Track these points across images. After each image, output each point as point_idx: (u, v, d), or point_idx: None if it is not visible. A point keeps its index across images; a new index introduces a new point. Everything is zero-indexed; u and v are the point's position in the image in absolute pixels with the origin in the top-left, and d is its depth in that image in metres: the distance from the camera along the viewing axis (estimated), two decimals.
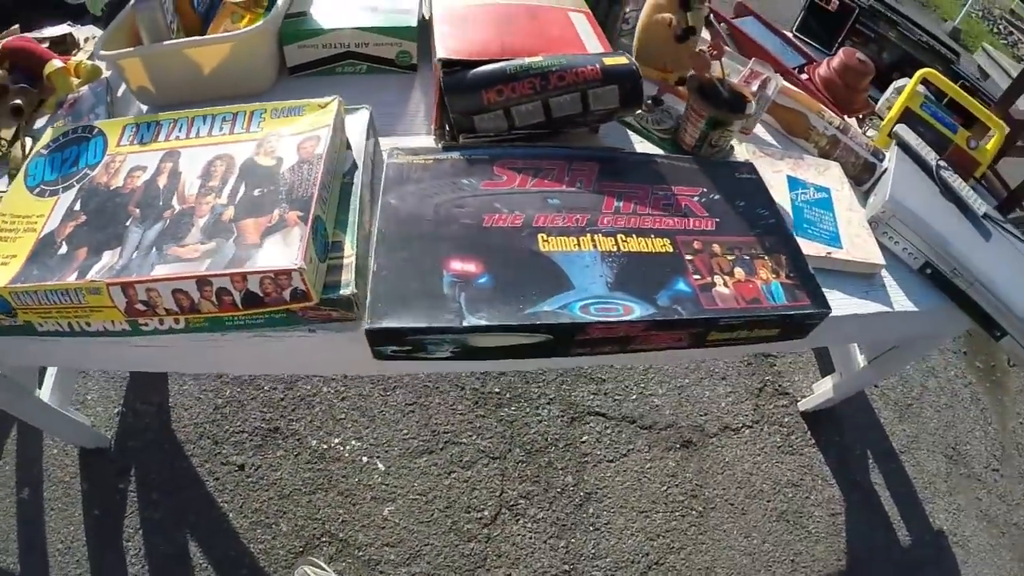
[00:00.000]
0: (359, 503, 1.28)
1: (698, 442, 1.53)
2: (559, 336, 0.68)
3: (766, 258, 0.78)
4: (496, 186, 0.79)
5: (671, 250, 0.76)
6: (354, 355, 0.69)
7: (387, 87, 0.95)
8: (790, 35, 1.47)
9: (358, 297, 0.65)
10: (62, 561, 1.31)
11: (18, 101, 0.91)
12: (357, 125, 0.80)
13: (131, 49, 0.84)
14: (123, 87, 0.99)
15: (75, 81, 0.99)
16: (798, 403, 1.65)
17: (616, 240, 0.77)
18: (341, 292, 0.64)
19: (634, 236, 0.78)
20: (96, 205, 0.69)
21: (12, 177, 0.83)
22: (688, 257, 0.76)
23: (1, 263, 0.63)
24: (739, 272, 0.76)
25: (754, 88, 1.00)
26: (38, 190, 0.71)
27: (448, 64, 0.81)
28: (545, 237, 0.75)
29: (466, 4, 0.93)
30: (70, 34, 1.11)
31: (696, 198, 0.84)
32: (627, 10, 1.08)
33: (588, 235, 0.77)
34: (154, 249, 0.63)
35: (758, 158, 0.97)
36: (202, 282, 0.59)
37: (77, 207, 0.69)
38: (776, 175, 0.95)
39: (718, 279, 0.74)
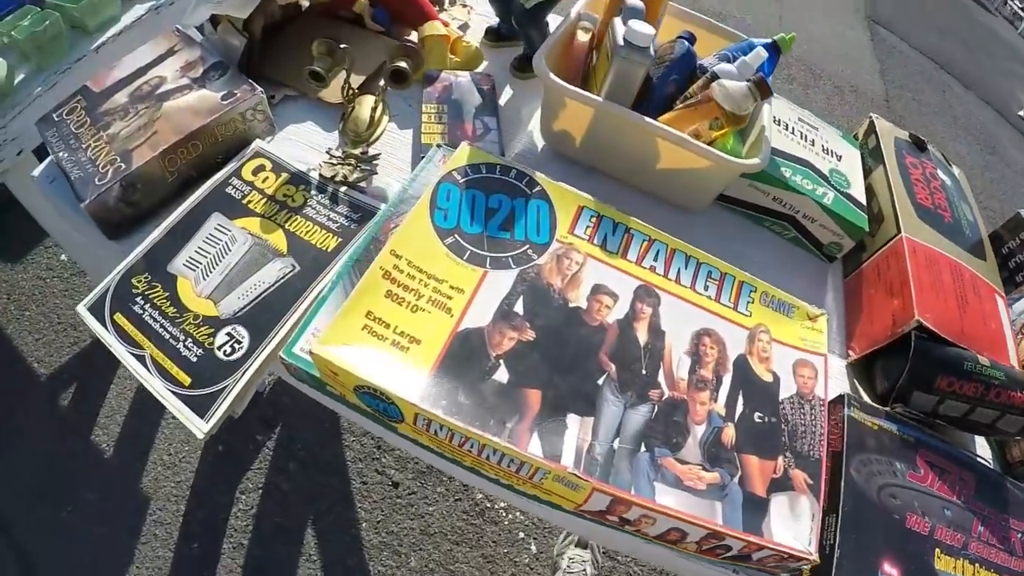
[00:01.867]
0: (497, 574, 1.24)
1: None
2: None
3: None
4: (917, 480, 0.72)
5: None
6: None
7: (801, 268, 0.86)
8: None
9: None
10: (163, 474, 1.24)
11: (403, 64, 0.73)
12: None
13: (586, 94, 0.71)
14: (508, 91, 0.88)
15: (452, 59, 0.88)
16: None
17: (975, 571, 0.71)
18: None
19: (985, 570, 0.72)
20: (550, 324, 0.55)
21: (360, 171, 0.71)
22: None
23: (397, 344, 0.50)
24: None
25: None
26: (452, 241, 0.57)
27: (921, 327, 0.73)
28: (939, 553, 0.69)
29: (928, 244, 0.84)
30: None
31: None
32: None
33: (960, 559, 0.71)
34: (643, 448, 0.52)
35: None
36: (711, 533, 0.52)
37: (519, 309, 0.55)
38: None
39: None
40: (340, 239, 0.66)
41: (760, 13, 2.50)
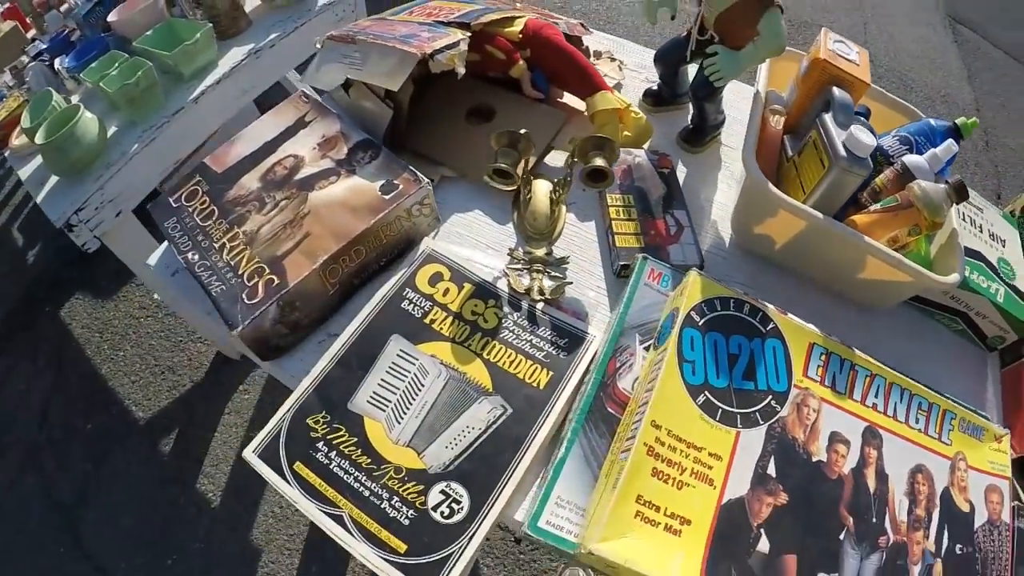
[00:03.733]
0: None
1: None
2: None
3: None
4: None
5: None
6: None
7: (963, 357, 0.83)
8: None
9: None
10: (275, 526, 1.17)
11: (602, 164, 0.56)
12: None
13: (806, 209, 0.62)
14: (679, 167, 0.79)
15: (622, 132, 0.79)
16: None
17: None
18: None
19: None
20: (798, 483, 0.51)
21: (553, 279, 0.63)
22: None
23: (669, 528, 0.45)
24: None
25: None
26: (704, 400, 0.51)
27: None
28: None
29: None
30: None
31: None
32: None
33: None
34: None
35: None
36: None
37: (772, 471, 0.51)
38: None
39: None
40: (551, 372, 0.59)
41: (844, 21, 2.43)
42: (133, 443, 1.50)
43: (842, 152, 0.62)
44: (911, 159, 0.73)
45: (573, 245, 0.69)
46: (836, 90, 0.68)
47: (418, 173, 0.66)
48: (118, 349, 1.69)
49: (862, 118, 0.74)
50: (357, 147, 0.70)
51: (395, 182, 0.66)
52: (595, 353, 0.59)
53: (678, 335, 0.53)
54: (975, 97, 2.31)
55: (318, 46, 0.82)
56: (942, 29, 2.54)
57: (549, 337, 0.60)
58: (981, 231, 0.85)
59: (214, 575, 1.26)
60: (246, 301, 0.59)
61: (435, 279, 0.64)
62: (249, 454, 0.56)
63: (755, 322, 0.58)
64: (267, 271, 0.61)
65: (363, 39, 0.73)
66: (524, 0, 0.91)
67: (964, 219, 0.84)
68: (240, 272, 0.62)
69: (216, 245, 0.65)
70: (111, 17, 1.26)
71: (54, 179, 1.11)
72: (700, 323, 0.55)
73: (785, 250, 0.70)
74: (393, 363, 0.59)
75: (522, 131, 0.61)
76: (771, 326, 0.58)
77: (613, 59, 0.88)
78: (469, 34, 0.72)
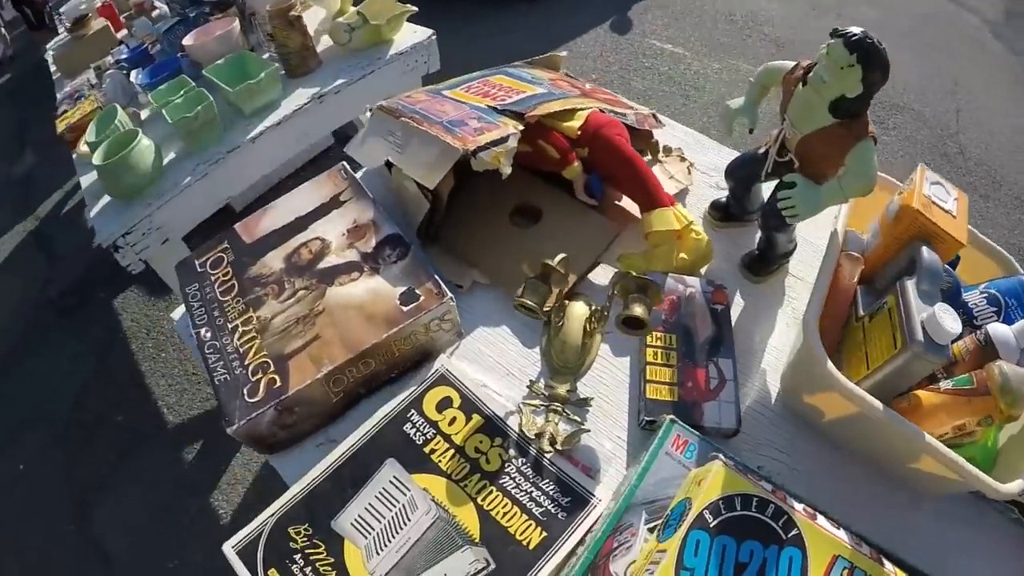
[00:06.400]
0: None
1: None
2: None
3: None
4: None
5: None
6: None
7: (1017, 554, 0.72)
8: None
9: None
10: None
11: (641, 313, 0.51)
12: None
13: (871, 401, 0.52)
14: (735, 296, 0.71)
15: (682, 257, 0.67)
16: None
17: None
18: None
19: None
20: None
21: (570, 424, 0.57)
22: None
23: None
24: None
25: None
26: None
27: None
28: None
29: None
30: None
31: None
32: None
33: None
34: None
35: None
36: None
37: None
38: None
39: None
40: (544, 533, 0.53)
41: (936, 106, 2.25)
42: (159, 445, 1.54)
43: (919, 335, 0.53)
44: (997, 329, 0.63)
45: (600, 383, 0.63)
46: (925, 251, 0.59)
47: (443, 285, 0.62)
48: (161, 350, 1.73)
49: (948, 276, 0.64)
50: (386, 242, 0.66)
51: (417, 291, 0.62)
52: (596, 520, 0.53)
53: (683, 538, 0.47)
54: None
55: (367, 114, 0.79)
56: None
57: (551, 492, 0.55)
58: None
59: None
60: (246, 398, 0.57)
61: (444, 404, 0.59)
62: (228, 549, 0.55)
63: (776, 526, 0.50)
64: (271, 368, 0.58)
65: (408, 119, 0.70)
66: (594, 82, 0.86)
67: None
68: (246, 362, 0.59)
69: (229, 326, 0.63)
70: (186, 40, 1.28)
71: (107, 198, 1.12)
72: (712, 524, 0.48)
73: (834, 424, 0.61)
74: (384, 489, 0.56)
75: (557, 262, 0.56)
76: (794, 532, 0.51)
77: (683, 159, 0.80)
78: (520, 129, 0.67)
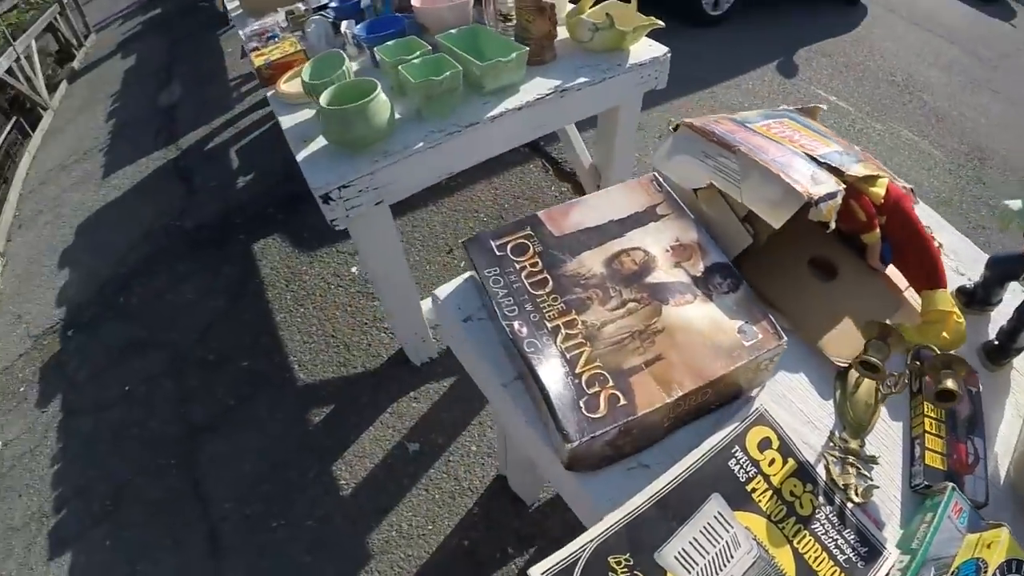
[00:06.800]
0: None
1: None
2: None
3: None
4: None
5: None
6: None
7: None
8: None
9: None
10: (396, 541, 1.14)
11: (953, 386, 0.54)
12: None
13: None
14: None
15: (944, 336, 0.64)
16: None
17: None
18: None
19: None
20: None
21: (864, 478, 0.56)
22: None
23: None
24: None
25: None
26: None
27: None
28: None
29: None
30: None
31: None
32: None
33: None
34: None
35: None
36: None
37: None
38: None
39: None
40: None
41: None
42: (284, 399, 1.50)
43: None
44: None
45: (880, 442, 0.62)
46: None
47: (780, 330, 0.58)
48: (300, 304, 1.71)
49: None
50: (715, 269, 0.63)
51: (754, 328, 0.58)
52: (888, 571, 0.53)
53: None
54: None
55: (671, 128, 0.76)
56: None
57: (852, 542, 0.53)
58: None
59: (314, 557, 1.23)
60: (585, 412, 0.53)
61: (764, 444, 0.56)
62: (536, 572, 0.50)
63: None
64: (610, 382, 0.55)
65: (741, 149, 0.67)
66: (865, 150, 0.82)
67: None
68: (578, 371, 0.56)
69: (549, 326, 0.59)
70: (416, 1, 1.27)
71: (322, 143, 1.09)
72: None
73: None
74: (709, 524, 0.52)
75: (887, 322, 0.54)
76: None
77: (933, 239, 0.77)
78: (844, 187, 0.64)
